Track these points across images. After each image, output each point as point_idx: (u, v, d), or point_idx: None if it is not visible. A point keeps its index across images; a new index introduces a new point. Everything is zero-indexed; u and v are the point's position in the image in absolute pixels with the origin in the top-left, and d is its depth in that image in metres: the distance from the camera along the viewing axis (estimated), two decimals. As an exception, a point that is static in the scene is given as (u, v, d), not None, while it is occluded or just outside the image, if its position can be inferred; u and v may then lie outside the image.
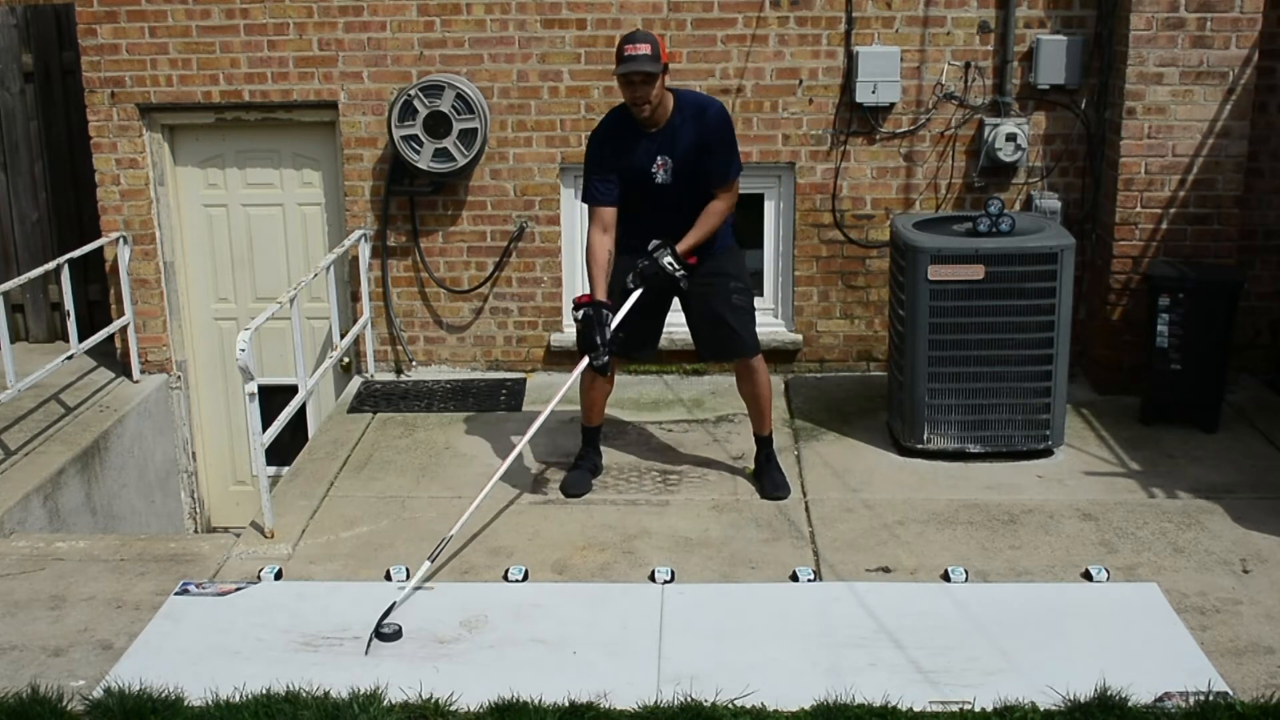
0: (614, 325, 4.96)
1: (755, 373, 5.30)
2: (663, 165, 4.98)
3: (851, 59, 6.48)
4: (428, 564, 4.57)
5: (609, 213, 5.04)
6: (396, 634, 4.19)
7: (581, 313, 4.96)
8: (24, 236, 7.55)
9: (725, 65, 6.53)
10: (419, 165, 6.53)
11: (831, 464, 5.64)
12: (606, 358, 4.93)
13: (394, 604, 4.33)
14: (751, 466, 5.53)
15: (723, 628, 4.24)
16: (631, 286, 5.05)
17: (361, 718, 3.67)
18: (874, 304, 6.79)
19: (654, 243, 5.01)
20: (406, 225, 6.83)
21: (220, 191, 7.06)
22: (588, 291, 5.05)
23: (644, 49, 4.74)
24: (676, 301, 5.25)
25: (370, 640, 4.15)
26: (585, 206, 6.78)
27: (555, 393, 5.14)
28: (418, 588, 4.51)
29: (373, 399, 6.63)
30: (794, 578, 4.58)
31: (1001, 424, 5.60)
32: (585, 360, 4.99)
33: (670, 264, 4.97)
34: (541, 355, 6.98)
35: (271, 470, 5.29)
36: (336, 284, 6.58)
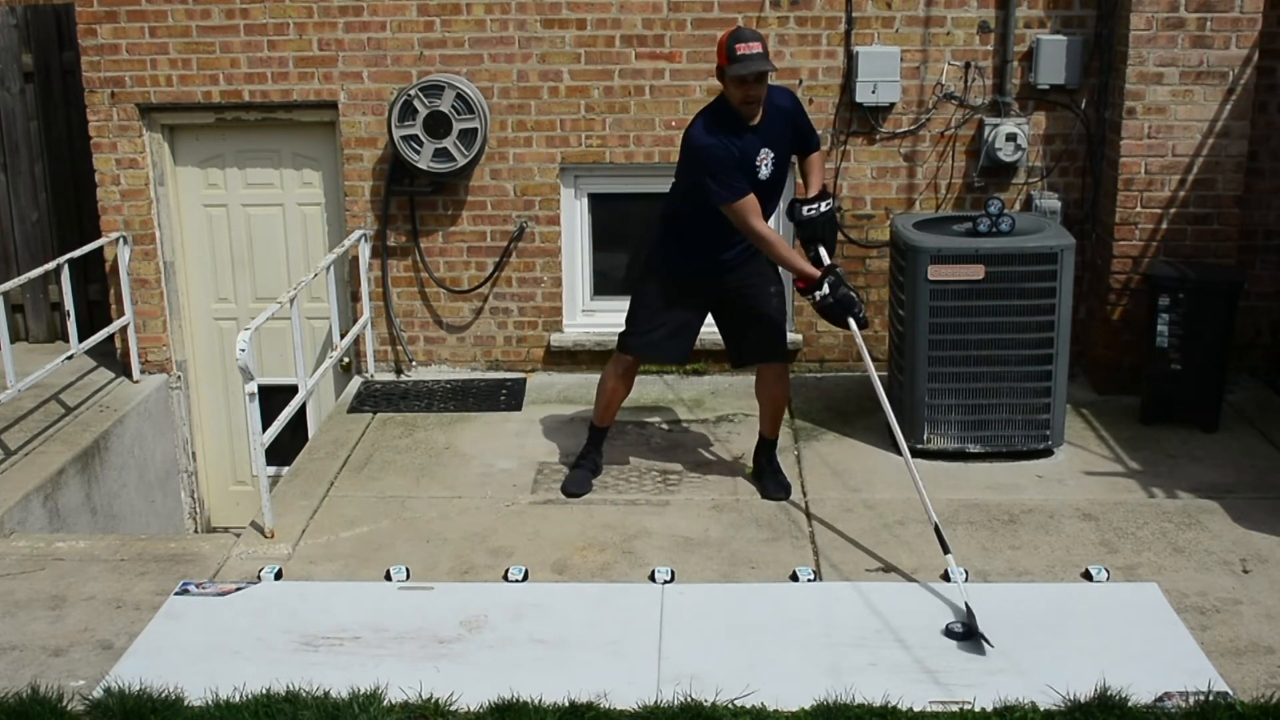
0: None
1: (782, 378, 5.31)
2: (765, 159, 4.94)
3: (851, 59, 6.48)
4: (951, 558, 4.50)
5: (755, 200, 4.92)
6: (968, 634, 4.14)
7: (826, 281, 4.86)
8: (24, 236, 7.55)
9: (725, 65, 6.53)
10: (419, 165, 6.53)
11: (832, 464, 5.64)
12: (863, 308, 4.94)
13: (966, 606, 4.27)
14: (751, 466, 5.53)
15: (723, 628, 4.24)
16: (820, 255, 5.05)
17: (361, 718, 3.67)
18: (874, 304, 6.78)
19: (820, 203, 5.03)
20: (406, 225, 6.83)
21: (220, 191, 7.06)
22: (803, 275, 4.93)
23: (758, 47, 4.70)
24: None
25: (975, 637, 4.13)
26: (584, 206, 6.87)
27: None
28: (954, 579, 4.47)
29: (373, 399, 6.63)
30: (794, 577, 4.58)
31: (1001, 424, 5.60)
32: (854, 324, 4.90)
33: (818, 207, 5.04)
34: (541, 355, 6.98)
35: (271, 470, 5.29)
36: (336, 284, 6.58)
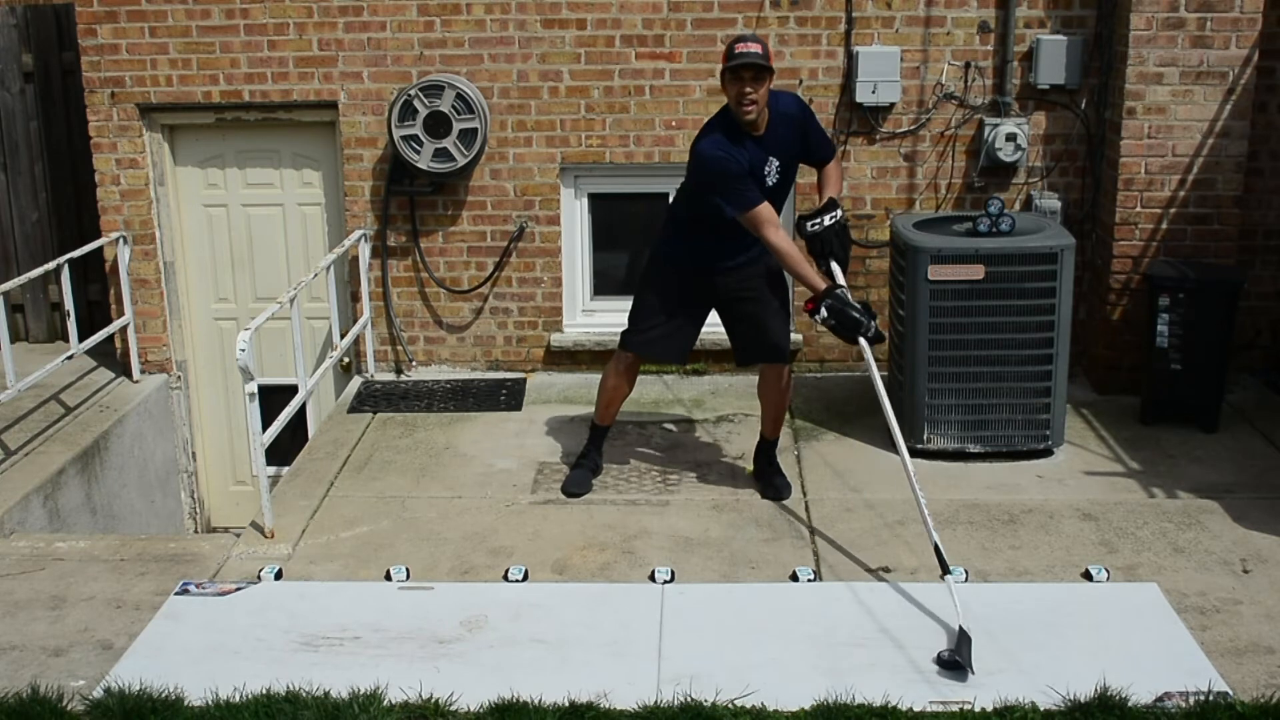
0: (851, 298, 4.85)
1: (782, 380, 5.29)
2: (770, 168, 4.92)
3: (851, 59, 6.48)
4: (950, 577, 4.37)
5: (770, 207, 4.87)
6: (955, 664, 3.95)
7: (825, 304, 4.75)
8: (24, 236, 7.55)
9: (725, 65, 6.53)
10: (419, 165, 6.53)
11: (832, 464, 5.64)
12: (875, 324, 4.79)
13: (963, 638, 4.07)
14: (752, 466, 5.53)
15: (723, 628, 4.24)
16: (835, 264, 4.99)
17: (361, 718, 3.67)
18: (874, 304, 6.77)
19: (825, 216, 4.95)
20: (406, 225, 6.83)
21: (220, 191, 7.06)
22: (813, 289, 4.83)
23: (756, 47, 4.69)
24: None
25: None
26: (585, 206, 6.87)
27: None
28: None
29: (373, 399, 6.63)
30: (794, 577, 4.58)
31: (1001, 424, 5.60)
32: (864, 342, 4.79)
33: (834, 219, 4.97)
34: (541, 355, 6.98)
35: (271, 470, 5.29)
36: (336, 284, 6.58)
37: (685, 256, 5.10)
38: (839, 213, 5.01)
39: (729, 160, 4.77)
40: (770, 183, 4.94)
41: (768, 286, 5.14)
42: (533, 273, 6.87)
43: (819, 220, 4.98)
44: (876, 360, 6.74)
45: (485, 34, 6.57)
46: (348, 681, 3.87)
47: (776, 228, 4.83)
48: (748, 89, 4.69)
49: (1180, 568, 4.63)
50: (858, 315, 4.75)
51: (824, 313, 4.76)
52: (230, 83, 6.69)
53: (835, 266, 5.01)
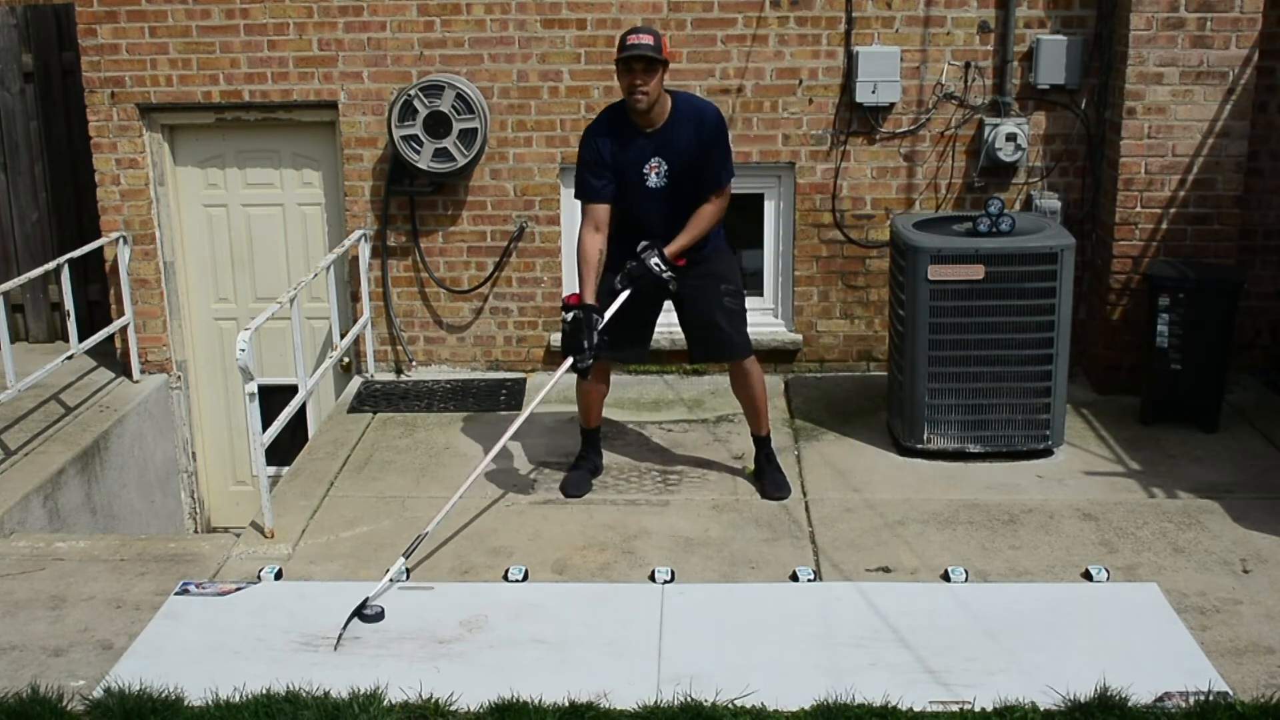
0: (600, 328, 4.94)
1: (748, 374, 5.30)
2: (656, 167, 4.95)
3: (851, 59, 6.48)
4: (402, 560, 4.60)
5: (602, 210, 5.00)
6: (379, 615, 4.29)
7: (571, 315, 4.93)
8: (24, 236, 7.55)
9: (725, 65, 6.53)
10: (419, 165, 6.53)
11: (832, 464, 5.64)
12: (590, 361, 4.91)
13: (366, 600, 4.34)
14: (751, 466, 5.53)
15: (723, 628, 4.24)
16: (619, 288, 5.03)
17: (361, 718, 3.67)
18: (874, 304, 6.79)
19: (642, 244, 4.99)
20: (406, 225, 6.83)
21: (220, 191, 7.06)
22: (575, 292, 5.03)
23: (647, 39, 4.76)
24: (668, 303, 5.25)
25: (345, 628, 4.20)
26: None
27: (557, 393, 5.14)
28: (394, 581, 4.54)
29: (373, 399, 6.63)
30: (794, 578, 4.58)
31: (1001, 424, 5.60)
32: (569, 362, 4.96)
33: (657, 264, 4.94)
34: (541, 355, 6.98)
35: (271, 470, 5.29)
36: (336, 284, 6.58)
37: (618, 255, 5.08)
38: (650, 260, 4.93)
39: (585, 148, 4.98)
40: (653, 184, 4.96)
41: (710, 285, 5.12)
42: (533, 273, 6.87)
43: (631, 263, 4.99)
44: (877, 360, 6.82)
45: (485, 34, 6.57)
46: (348, 681, 3.87)
47: (589, 230, 4.99)
48: (638, 80, 4.77)
49: (1180, 568, 4.63)
50: (584, 342, 4.87)
51: (567, 317, 4.94)
52: (230, 83, 6.69)
53: (622, 294, 5.03)
